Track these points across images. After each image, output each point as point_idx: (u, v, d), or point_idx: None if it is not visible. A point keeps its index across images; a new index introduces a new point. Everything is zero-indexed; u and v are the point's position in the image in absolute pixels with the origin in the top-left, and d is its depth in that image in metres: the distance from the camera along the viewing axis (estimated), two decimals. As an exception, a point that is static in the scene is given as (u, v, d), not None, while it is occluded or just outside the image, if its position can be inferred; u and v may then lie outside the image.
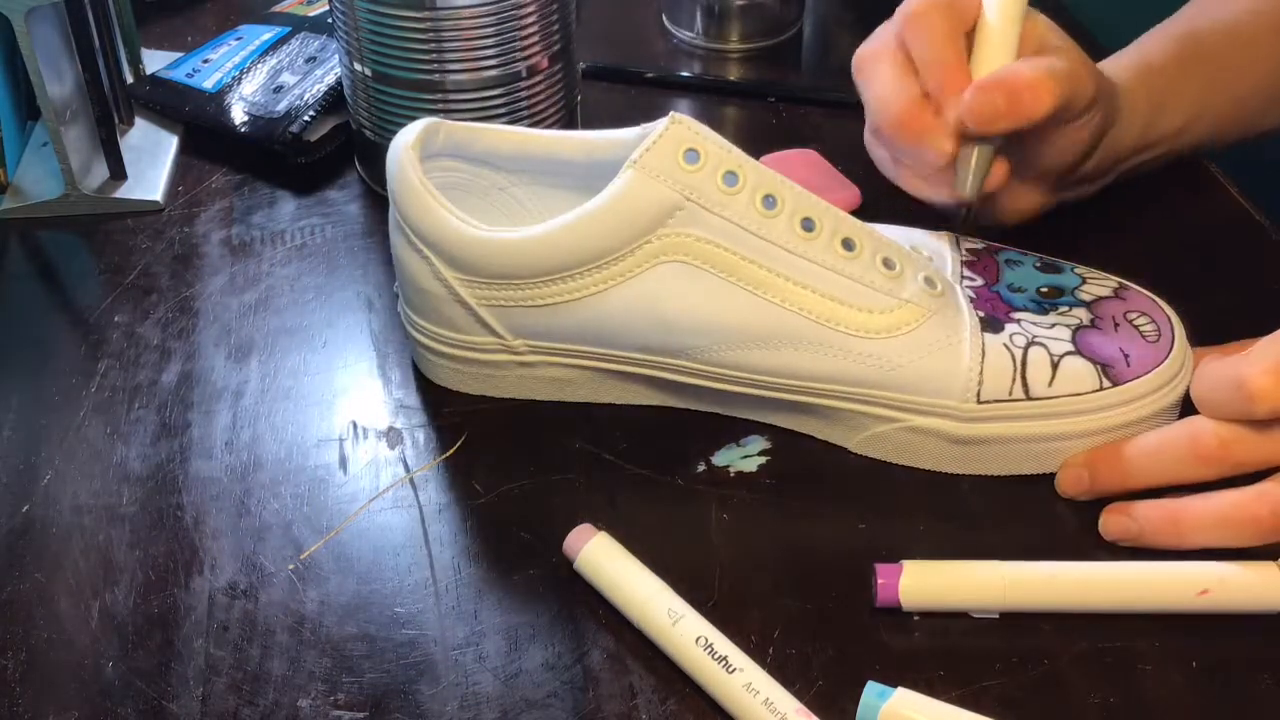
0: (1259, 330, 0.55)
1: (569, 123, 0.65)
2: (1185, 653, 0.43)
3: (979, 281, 0.50)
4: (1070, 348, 0.48)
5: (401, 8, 0.57)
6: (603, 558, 0.45)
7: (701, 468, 0.50)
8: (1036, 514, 0.48)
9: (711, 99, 0.73)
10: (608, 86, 0.73)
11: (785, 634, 0.44)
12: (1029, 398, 0.47)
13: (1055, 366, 0.47)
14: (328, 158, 0.67)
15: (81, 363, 0.56)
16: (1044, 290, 0.50)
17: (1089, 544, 0.47)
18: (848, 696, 0.42)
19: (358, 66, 0.61)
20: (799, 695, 0.41)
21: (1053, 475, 0.49)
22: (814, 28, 0.79)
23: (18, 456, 0.52)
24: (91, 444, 0.52)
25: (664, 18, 0.79)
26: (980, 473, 0.49)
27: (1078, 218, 0.59)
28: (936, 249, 0.52)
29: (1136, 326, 0.49)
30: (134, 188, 0.66)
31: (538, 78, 0.61)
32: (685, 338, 0.48)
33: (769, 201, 0.47)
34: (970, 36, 0.52)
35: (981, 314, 0.49)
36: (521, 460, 0.51)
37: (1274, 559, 0.43)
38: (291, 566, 0.47)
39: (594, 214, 0.47)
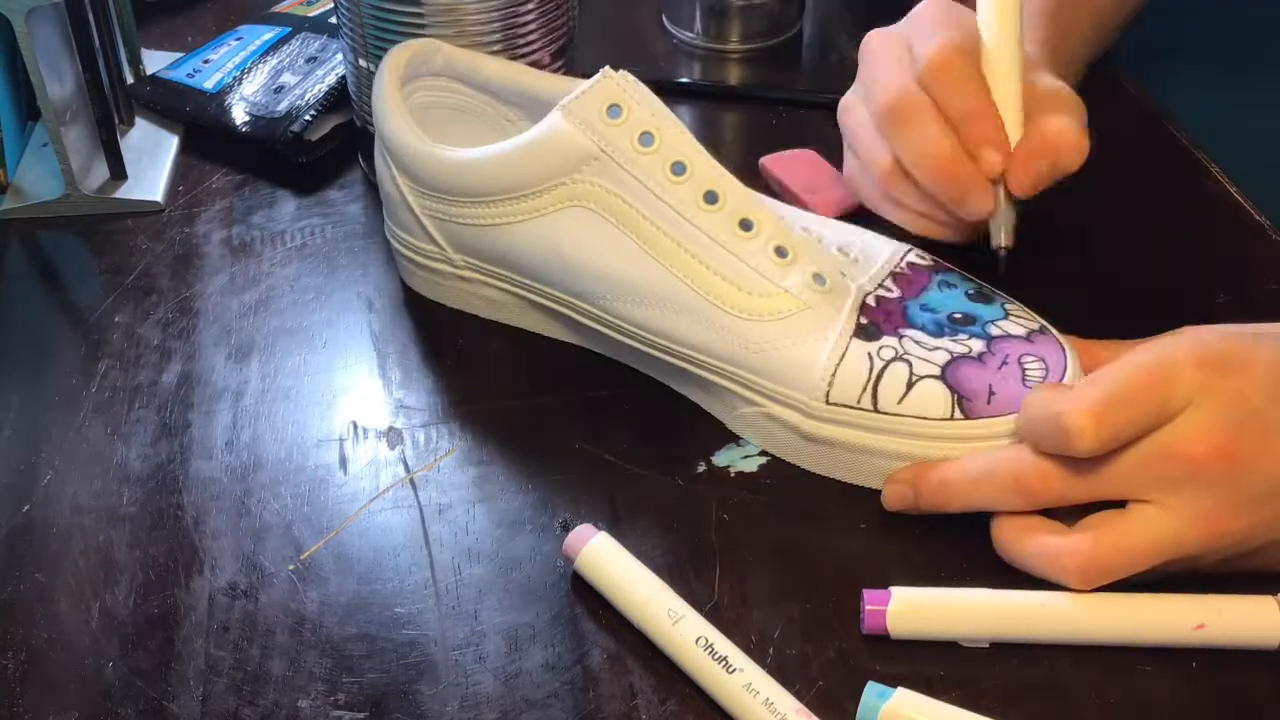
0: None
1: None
2: (1185, 653, 0.43)
3: (894, 294, 0.50)
4: (935, 371, 0.47)
5: (406, 3, 0.57)
6: (603, 558, 0.45)
7: (701, 468, 0.50)
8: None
9: (711, 99, 0.73)
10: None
11: (785, 634, 0.44)
12: (876, 410, 0.47)
13: (910, 385, 0.47)
14: (328, 158, 0.67)
15: (81, 363, 0.56)
16: (956, 317, 0.49)
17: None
18: (848, 696, 0.42)
19: (362, 63, 0.61)
20: (799, 695, 0.41)
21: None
22: (814, 28, 0.79)
23: (18, 456, 0.52)
24: (91, 444, 0.52)
25: (664, 18, 0.79)
26: (832, 476, 0.49)
27: (1076, 216, 0.59)
28: (873, 255, 0.52)
29: (1024, 367, 0.47)
30: (134, 188, 0.66)
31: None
32: (584, 282, 0.51)
33: (678, 168, 0.50)
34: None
35: (864, 320, 0.49)
36: (522, 460, 0.51)
37: (1273, 594, 0.43)
38: (291, 567, 0.47)
39: (518, 148, 0.51)
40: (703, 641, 0.42)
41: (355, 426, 0.53)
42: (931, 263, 0.52)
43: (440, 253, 0.55)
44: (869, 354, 0.48)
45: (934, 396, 0.47)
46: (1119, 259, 0.59)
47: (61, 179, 0.63)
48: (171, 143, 0.69)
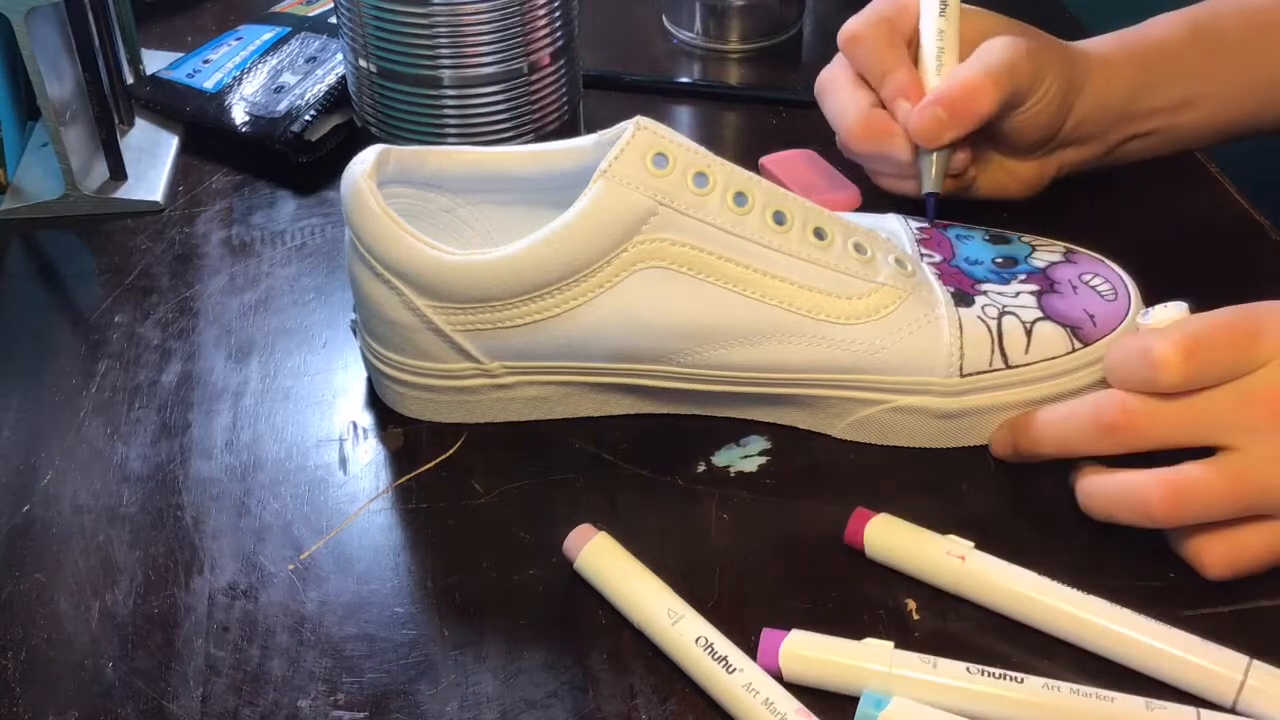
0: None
1: (572, 120, 0.65)
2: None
3: (938, 258, 0.52)
4: (1039, 314, 0.49)
5: (406, 3, 0.57)
6: (603, 558, 0.45)
7: (701, 468, 0.50)
8: (1036, 515, 0.48)
9: (711, 99, 0.73)
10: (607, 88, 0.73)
11: (785, 634, 0.44)
12: (1008, 366, 0.48)
13: (1029, 333, 0.48)
14: (328, 157, 0.67)
15: (81, 363, 0.56)
16: (999, 261, 0.52)
17: (1089, 546, 0.47)
18: (847, 696, 0.42)
19: (362, 63, 0.61)
20: (799, 695, 0.41)
21: (1051, 474, 0.49)
22: (814, 28, 0.79)
23: (18, 456, 0.52)
24: (91, 444, 0.52)
25: (664, 18, 0.79)
26: (962, 444, 0.50)
27: (1077, 217, 0.59)
28: (893, 230, 0.53)
29: (1093, 288, 0.50)
30: (134, 188, 0.66)
31: (540, 74, 0.61)
32: (667, 342, 0.48)
33: (740, 199, 0.48)
34: (913, 45, 0.56)
35: (951, 289, 0.50)
36: (521, 460, 0.51)
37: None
38: (291, 567, 0.47)
39: (569, 227, 0.46)
40: (702, 641, 0.42)
41: (355, 426, 0.53)
42: (929, 223, 0.54)
43: (474, 368, 0.50)
44: (978, 318, 0.49)
45: (1052, 336, 0.48)
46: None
47: (61, 179, 0.63)
48: (171, 143, 0.69)
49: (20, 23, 0.59)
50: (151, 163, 0.68)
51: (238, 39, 0.74)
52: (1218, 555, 0.44)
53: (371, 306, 0.50)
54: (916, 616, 0.45)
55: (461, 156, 0.51)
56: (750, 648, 0.43)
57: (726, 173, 0.48)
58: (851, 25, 0.56)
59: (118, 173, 0.66)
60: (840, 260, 0.48)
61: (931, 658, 0.42)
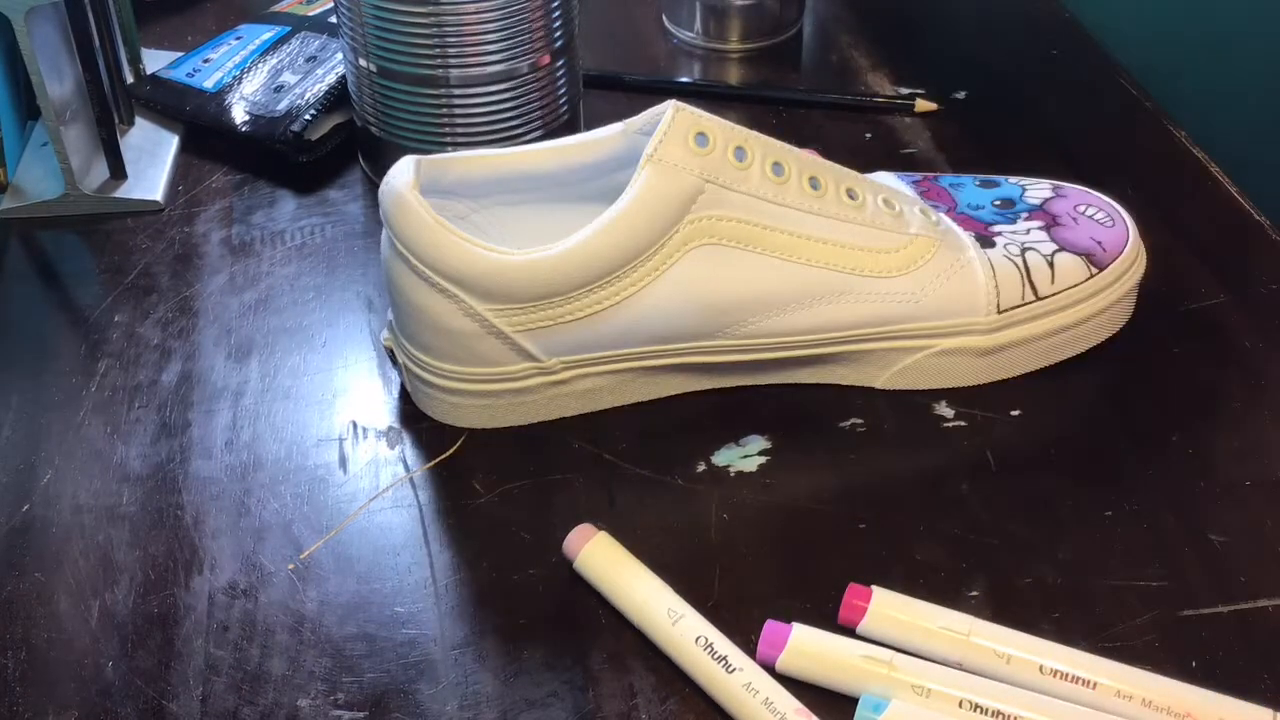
0: (1258, 331, 0.56)
1: (572, 119, 0.65)
2: (1185, 653, 0.43)
3: (944, 207, 0.54)
4: (1055, 246, 0.52)
5: (406, 3, 0.57)
6: (602, 558, 0.45)
7: (701, 468, 0.50)
8: (1036, 514, 0.48)
9: (711, 99, 0.73)
10: (607, 88, 0.73)
11: (785, 634, 0.44)
12: (1039, 298, 0.51)
13: (1052, 265, 0.51)
14: (328, 157, 0.67)
15: (81, 363, 0.56)
16: (998, 203, 0.54)
17: (1089, 546, 0.47)
18: (847, 696, 0.42)
19: (362, 62, 0.61)
20: (799, 695, 0.41)
21: (1051, 474, 0.49)
22: (814, 28, 0.79)
23: (18, 456, 0.52)
24: (91, 444, 0.52)
25: (664, 18, 0.79)
26: (996, 379, 0.53)
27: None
28: (896, 184, 0.55)
29: (1090, 217, 0.53)
30: (134, 188, 0.66)
31: (541, 73, 0.61)
32: (721, 316, 0.49)
33: (778, 169, 0.49)
34: None
35: (972, 234, 0.52)
36: (521, 460, 0.51)
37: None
38: (291, 566, 0.47)
39: (624, 214, 0.47)
40: (702, 641, 0.42)
41: (355, 426, 0.53)
42: (921, 176, 0.56)
43: (532, 368, 0.50)
44: (1004, 257, 0.51)
45: (1072, 265, 0.51)
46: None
47: (61, 179, 0.63)
48: (171, 142, 0.69)
49: (20, 23, 0.59)
50: (151, 162, 0.68)
51: (238, 38, 0.74)
52: None
53: (424, 318, 0.49)
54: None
55: (482, 161, 0.51)
56: (750, 647, 0.43)
57: (763, 145, 0.49)
58: None
59: (118, 172, 0.66)
60: (874, 217, 0.50)
61: (930, 663, 0.42)
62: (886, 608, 0.43)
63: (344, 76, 0.66)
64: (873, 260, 0.50)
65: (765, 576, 0.46)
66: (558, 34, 0.61)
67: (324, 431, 0.52)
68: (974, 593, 0.45)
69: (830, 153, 0.63)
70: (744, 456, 0.51)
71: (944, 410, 0.52)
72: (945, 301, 0.50)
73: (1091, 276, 0.51)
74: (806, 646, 0.42)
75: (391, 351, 0.52)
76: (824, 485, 0.50)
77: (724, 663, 0.41)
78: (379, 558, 0.47)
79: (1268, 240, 0.61)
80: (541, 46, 0.60)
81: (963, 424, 0.52)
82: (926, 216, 0.51)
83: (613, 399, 0.52)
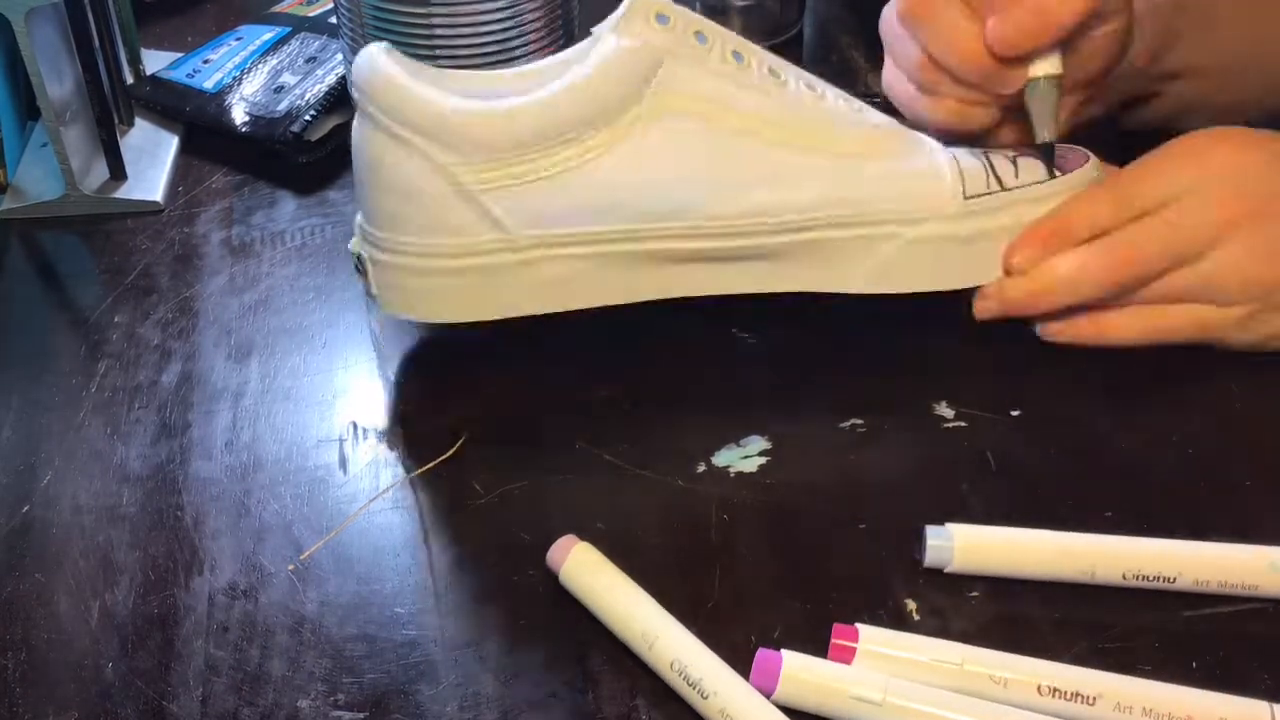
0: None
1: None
2: (1185, 653, 0.43)
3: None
4: (1016, 151, 0.53)
5: (406, 3, 0.57)
6: (579, 577, 0.45)
7: (701, 468, 0.50)
8: (1036, 516, 0.48)
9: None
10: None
11: (785, 634, 0.44)
12: (1004, 189, 0.52)
13: (1014, 162, 0.53)
14: (328, 157, 0.67)
15: (81, 363, 0.56)
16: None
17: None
18: None
19: (360, 65, 0.61)
20: (794, 715, 0.41)
21: (1051, 474, 0.49)
22: (814, 28, 0.79)
23: (18, 456, 0.52)
24: (91, 444, 0.52)
25: (664, 18, 0.79)
26: (973, 280, 0.53)
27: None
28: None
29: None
30: (134, 188, 0.66)
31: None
32: (687, 192, 0.50)
33: (737, 56, 0.51)
34: None
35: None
36: (521, 460, 0.51)
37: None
38: (291, 567, 0.47)
39: (586, 77, 0.49)
40: (677, 665, 0.42)
41: (355, 426, 0.53)
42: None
43: (498, 240, 0.50)
44: (968, 153, 0.53)
45: (1034, 164, 0.53)
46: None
47: (61, 179, 0.63)
48: (171, 143, 0.69)
49: (20, 23, 0.59)
50: (151, 163, 0.68)
51: (238, 39, 0.74)
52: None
53: (391, 182, 0.49)
54: (916, 617, 0.45)
55: (454, 77, 0.52)
56: (749, 648, 0.43)
57: (723, 33, 0.51)
58: None
59: (118, 173, 0.66)
60: (836, 109, 0.52)
61: (925, 689, 0.41)
62: (875, 645, 0.42)
63: (344, 77, 0.66)
64: (836, 143, 0.51)
65: (765, 576, 0.46)
66: (557, 34, 0.61)
67: (324, 432, 0.52)
68: (974, 593, 0.45)
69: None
70: (744, 456, 0.51)
71: (944, 410, 0.52)
72: (911, 185, 0.51)
73: (1053, 178, 0.52)
74: (800, 675, 0.41)
75: (359, 258, 0.52)
76: (824, 485, 0.50)
77: (698, 688, 0.41)
78: (379, 558, 0.47)
79: (1268, 240, 0.61)
80: (541, 46, 0.60)
81: (963, 424, 0.52)
82: (891, 120, 0.53)
83: (585, 295, 0.52)
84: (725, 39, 0.51)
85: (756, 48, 0.52)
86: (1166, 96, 0.61)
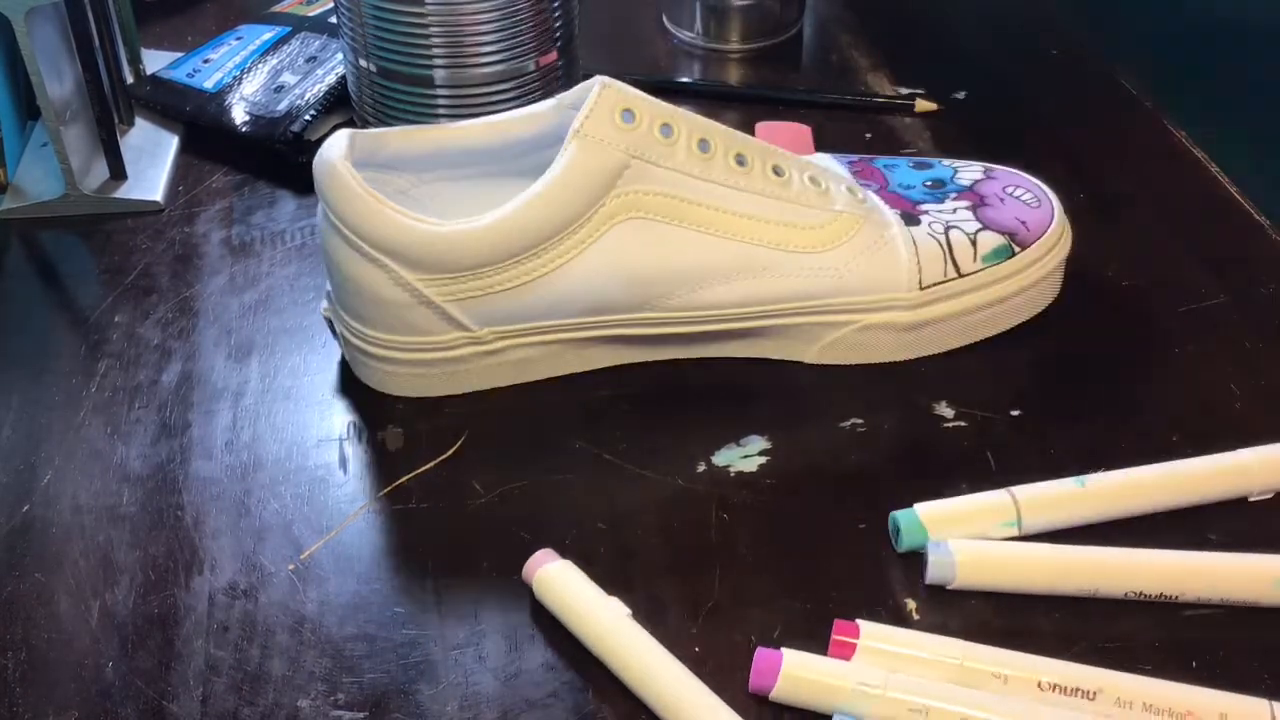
0: (1258, 331, 0.56)
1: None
2: (1185, 653, 0.43)
3: (875, 186, 0.55)
4: (979, 225, 0.53)
5: (407, 3, 0.57)
6: (550, 595, 0.44)
7: (701, 468, 0.50)
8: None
9: (711, 99, 0.73)
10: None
11: (785, 634, 0.44)
12: (960, 275, 0.52)
13: (974, 243, 0.53)
14: (328, 158, 0.67)
15: (81, 363, 0.56)
16: (928, 184, 0.55)
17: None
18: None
19: (363, 63, 0.61)
20: (789, 713, 0.41)
21: (1046, 468, 0.49)
22: (814, 28, 0.79)
23: (18, 456, 0.52)
24: (91, 444, 0.52)
25: (664, 18, 0.79)
26: (922, 355, 0.54)
27: (1074, 216, 0.59)
28: (829, 164, 0.56)
29: (1018, 198, 0.55)
30: (134, 188, 0.66)
31: (541, 73, 0.61)
32: (649, 289, 0.50)
33: (703, 145, 0.50)
34: None
35: (898, 211, 0.53)
36: (521, 460, 0.51)
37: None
38: (291, 566, 0.47)
39: (551, 188, 0.48)
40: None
41: (355, 426, 0.53)
42: (857, 158, 0.57)
43: (464, 337, 0.51)
44: (928, 234, 0.52)
45: (994, 242, 0.53)
46: (1118, 261, 0.59)
47: (61, 179, 0.63)
48: (171, 143, 0.69)
49: (20, 23, 0.59)
50: (151, 163, 0.68)
51: (238, 39, 0.74)
52: None
53: (357, 288, 0.50)
54: (916, 616, 0.45)
55: (421, 135, 0.53)
56: (749, 647, 0.43)
57: (689, 122, 0.51)
58: None
59: (118, 173, 0.66)
60: (800, 194, 0.51)
61: (924, 682, 0.41)
62: (875, 641, 0.42)
63: (344, 77, 0.66)
64: (797, 236, 0.51)
65: (765, 576, 0.46)
66: (558, 35, 0.61)
67: (324, 432, 0.52)
68: (973, 594, 0.45)
69: (831, 153, 0.63)
70: (744, 456, 0.51)
71: (944, 410, 0.52)
72: (869, 277, 0.51)
73: (1014, 255, 0.53)
74: (799, 672, 0.41)
75: (331, 322, 0.53)
76: (824, 486, 0.50)
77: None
78: (379, 558, 0.47)
79: (1268, 240, 0.61)
80: (542, 46, 0.60)
81: (963, 424, 0.52)
82: (853, 194, 0.52)
83: (546, 369, 0.53)
84: (691, 127, 0.51)
85: (723, 129, 0.51)
86: None
